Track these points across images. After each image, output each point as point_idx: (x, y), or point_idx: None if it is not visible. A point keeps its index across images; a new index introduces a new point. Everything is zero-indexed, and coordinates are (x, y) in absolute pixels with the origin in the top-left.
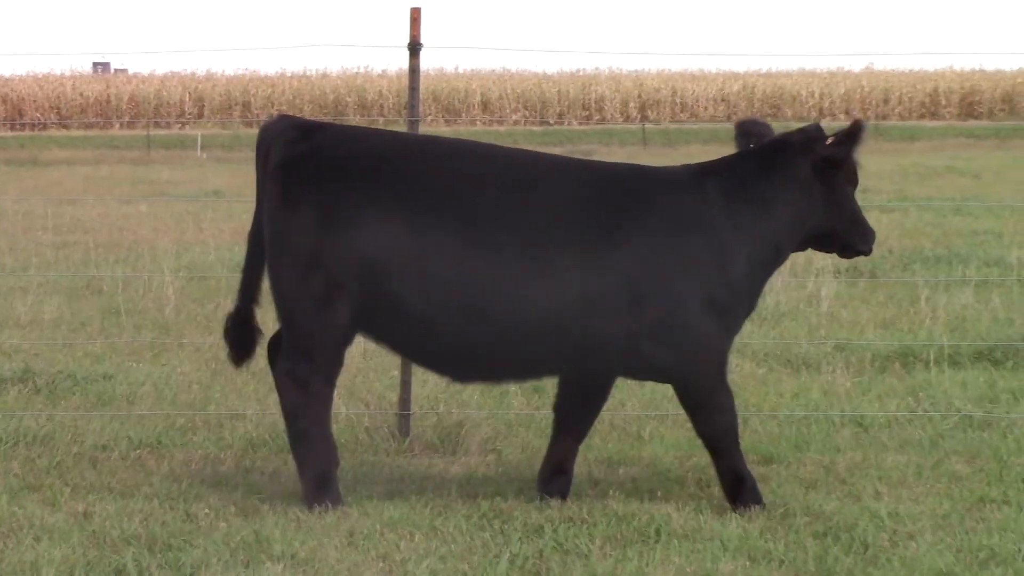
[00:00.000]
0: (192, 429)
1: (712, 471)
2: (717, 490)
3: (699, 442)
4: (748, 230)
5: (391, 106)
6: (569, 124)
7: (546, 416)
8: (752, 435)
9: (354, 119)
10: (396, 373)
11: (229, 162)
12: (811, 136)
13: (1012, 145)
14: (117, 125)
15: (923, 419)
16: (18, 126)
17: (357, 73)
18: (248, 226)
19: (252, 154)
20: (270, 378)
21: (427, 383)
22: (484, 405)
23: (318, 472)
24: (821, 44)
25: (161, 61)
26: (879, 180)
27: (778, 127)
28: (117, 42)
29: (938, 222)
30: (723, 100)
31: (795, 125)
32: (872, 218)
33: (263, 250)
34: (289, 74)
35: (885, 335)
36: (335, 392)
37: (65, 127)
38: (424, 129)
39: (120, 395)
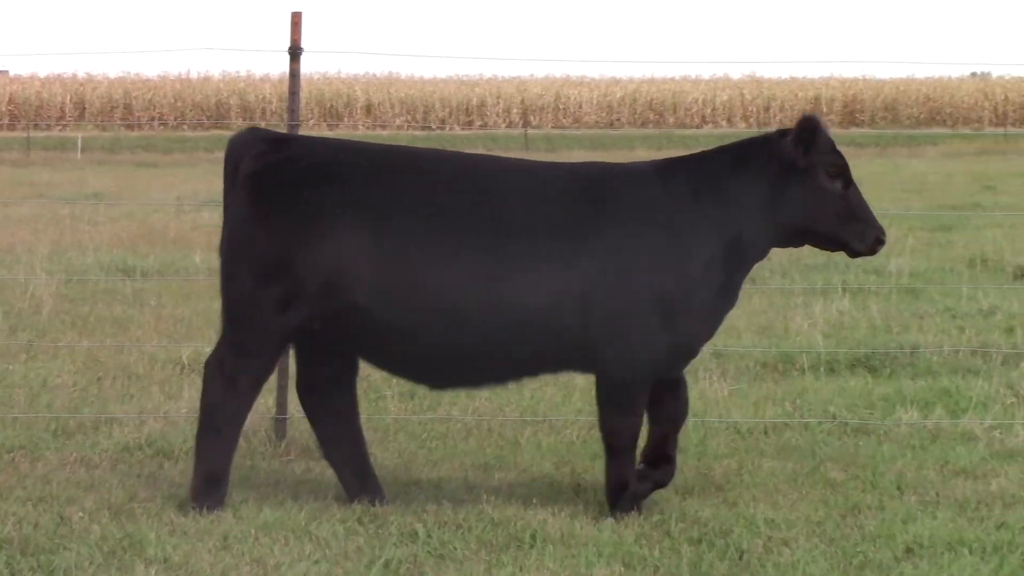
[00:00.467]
0: (66, 432)
1: (589, 477)
2: (593, 496)
3: (576, 448)
4: (712, 228)
5: (274, 110)
6: (451, 129)
7: (421, 422)
8: None
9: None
10: (272, 377)
11: (109, 164)
12: (782, 133)
13: (893, 153)
14: None
15: (800, 426)
16: None
17: (239, 77)
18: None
19: (133, 157)
20: (144, 382)
21: None
22: (360, 410)
23: (214, 470)
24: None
25: (42, 63)
26: None
27: (660, 135)
28: None
29: None
30: (606, 106)
31: (678, 133)
32: None
33: None
34: (171, 77)
35: (763, 342)
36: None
37: None
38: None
39: None
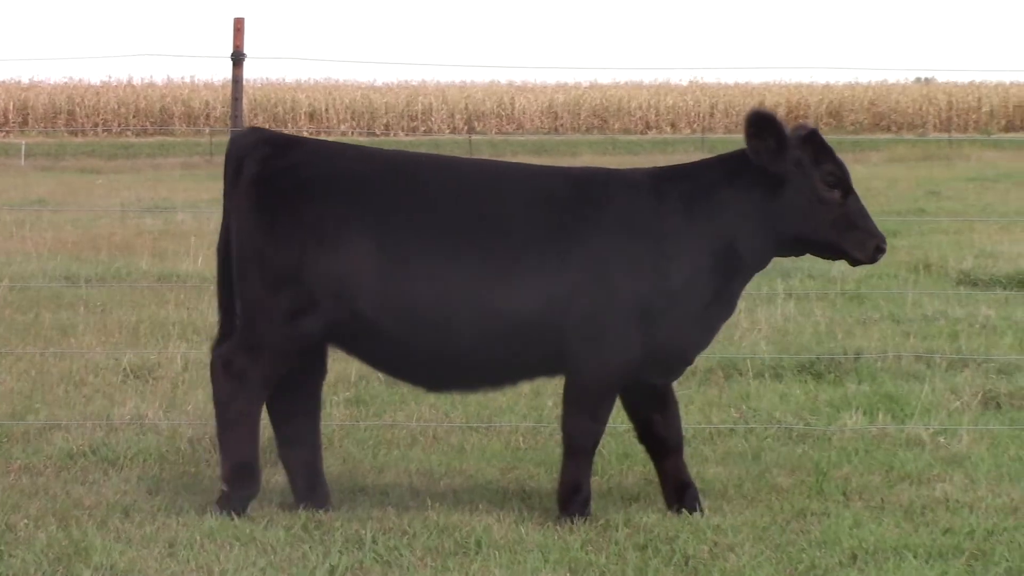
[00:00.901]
0: (11, 439)
1: (535, 483)
2: (539, 502)
3: (521, 454)
4: (702, 237)
5: (217, 116)
6: (395, 135)
7: (368, 428)
8: None
9: (180, 128)
10: None
11: (53, 171)
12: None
13: None
14: None
15: (745, 432)
16: None
17: (183, 83)
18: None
19: (76, 163)
20: (88, 389)
21: None
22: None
23: (239, 460)
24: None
25: None
26: None
27: (605, 140)
28: None
29: None
30: (550, 112)
31: (623, 139)
32: None
33: (231, 262)
34: (115, 83)
35: (708, 348)
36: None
37: None
38: None
39: None
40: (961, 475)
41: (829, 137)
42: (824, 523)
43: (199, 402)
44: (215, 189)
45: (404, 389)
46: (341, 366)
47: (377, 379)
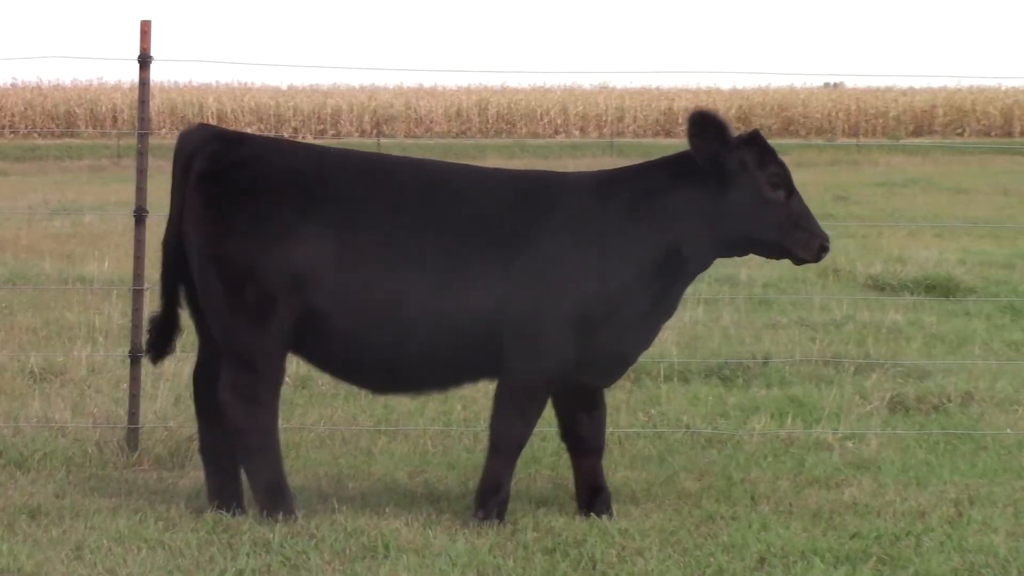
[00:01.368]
0: None
1: (442, 487)
2: (447, 505)
3: (430, 457)
4: (645, 240)
5: (125, 118)
6: (304, 138)
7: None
8: (483, 451)
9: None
10: (125, 387)
11: None
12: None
13: None
14: None
15: (653, 435)
16: None
17: (90, 85)
18: None
19: None
20: None
21: (156, 398)
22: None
23: (271, 483)
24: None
25: None
26: None
27: (513, 144)
28: None
29: None
30: (457, 115)
31: (532, 143)
32: None
33: (178, 256)
34: (21, 85)
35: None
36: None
37: None
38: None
39: None
40: (869, 479)
41: None
42: (732, 527)
43: (106, 404)
44: (123, 191)
45: (310, 392)
46: None
47: (285, 382)
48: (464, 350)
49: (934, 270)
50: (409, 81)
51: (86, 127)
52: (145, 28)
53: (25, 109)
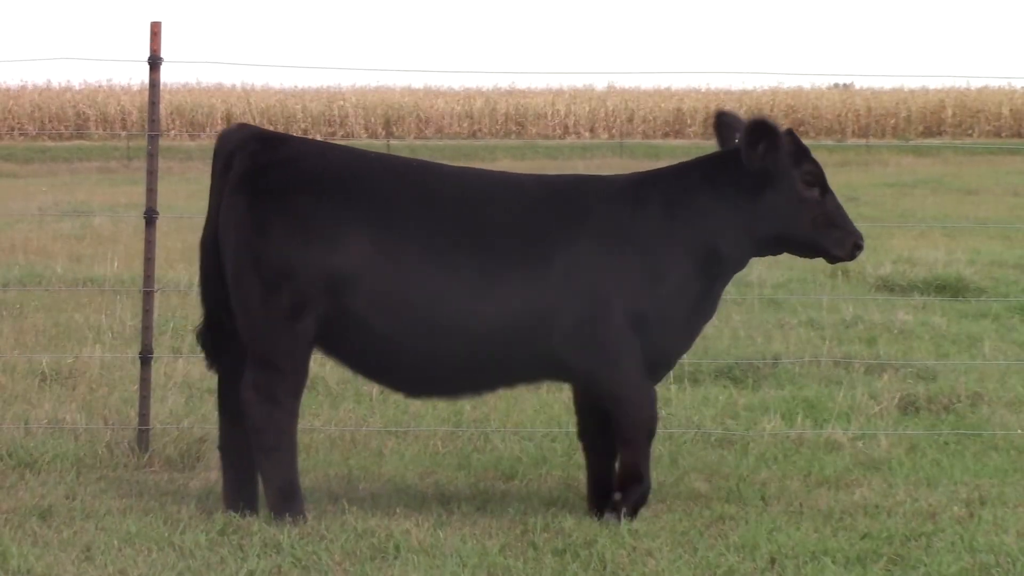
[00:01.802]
0: None
1: (453, 488)
2: (457, 507)
3: (440, 458)
4: (684, 241)
5: (134, 120)
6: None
7: None
8: (493, 452)
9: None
10: (135, 388)
11: None
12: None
13: None
14: None
15: (664, 436)
16: None
17: (99, 87)
18: None
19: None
20: (4, 392)
21: (167, 399)
22: None
23: (284, 484)
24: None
25: None
26: None
27: (524, 145)
28: None
29: None
30: (467, 116)
31: (542, 144)
32: None
33: (217, 256)
34: (31, 87)
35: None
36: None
37: None
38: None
39: None
40: (879, 480)
41: None
42: (742, 528)
43: (116, 405)
44: (133, 193)
45: (320, 394)
46: None
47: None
48: (500, 354)
49: (944, 271)
50: (418, 82)
51: (96, 129)
52: (155, 29)
53: (34, 112)
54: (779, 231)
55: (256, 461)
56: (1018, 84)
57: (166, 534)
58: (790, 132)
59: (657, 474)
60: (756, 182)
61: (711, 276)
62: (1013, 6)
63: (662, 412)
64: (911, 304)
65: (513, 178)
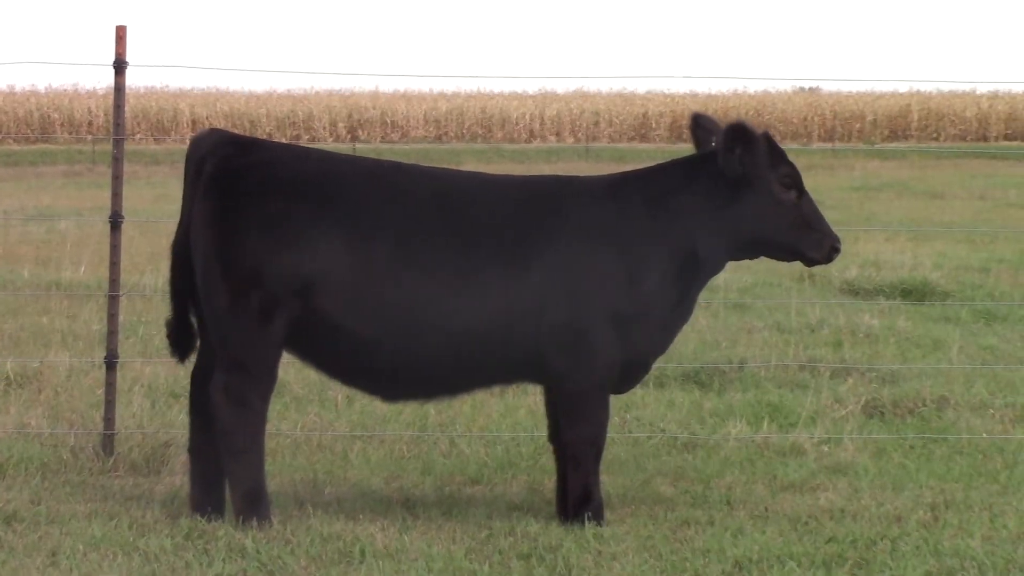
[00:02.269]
0: None
1: (418, 492)
2: (423, 511)
3: (405, 463)
4: (663, 242)
5: (100, 124)
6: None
7: None
8: (458, 456)
9: (62, 136)
10: (101, 392)
11: None
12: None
13: None
14: None
15: (629, 440)
16: None
17: (65, 91)
18: None
19: None
20: None
21: (133, 404)
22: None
23: (250, 488)
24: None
25: None
26: None
27: (490, 149)
28: None
29: None
30: (433, 120)
31: (508, 147)
32: None
33: (187, 259)
34: None
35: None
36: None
37: None
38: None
39: None
40: (845, 484)
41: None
42: (708, 532)
43: (82, 410)
44: (99, 197)
45: (285, 398)
46: None
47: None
48: (478, 356)
49: (910, 275)
50: (385, 86)
51: (61, 132)
52: (120, 33)
53: None
54: (756, 234)
55: (224, 464)
56: (983, 88)
57: (131, 539)
58: (766, 135)
59: (622, 478)
60: (733, 185)
61: (689, 278)
62: (979, 11)
63: (627, 416)
64: (877, 308)
65: (490, 178)
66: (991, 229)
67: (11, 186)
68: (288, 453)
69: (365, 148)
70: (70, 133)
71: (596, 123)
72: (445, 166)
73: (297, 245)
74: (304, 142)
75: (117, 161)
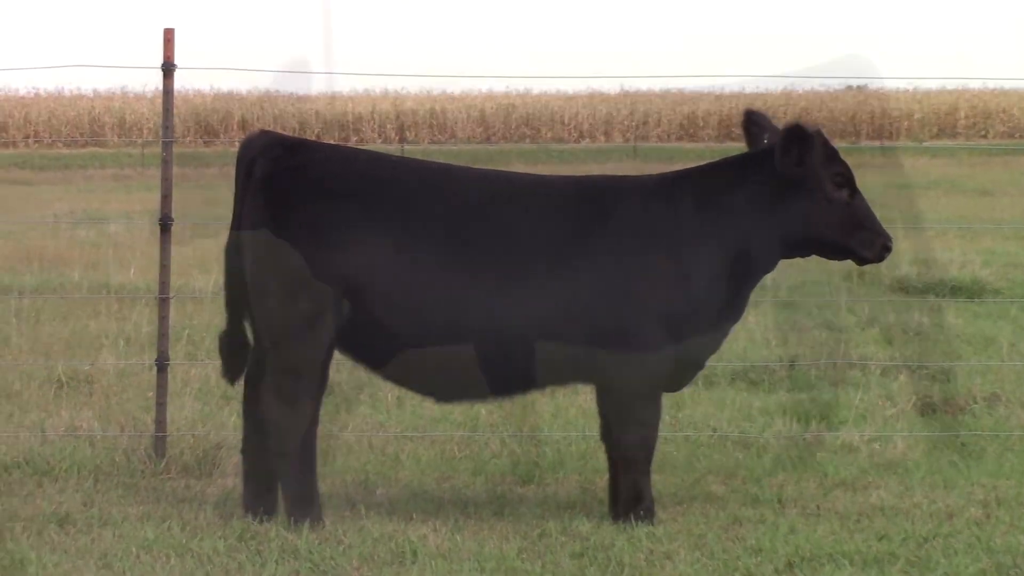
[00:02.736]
0: None
1: (470, 492)
2: (474, 511)
3: (457, 463)
4: (715, 241)
5: (150, 127)
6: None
7: None
8: (510, 456)
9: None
10: (151, 395)
11: None
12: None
13: None
14: None
15: (680, 439)
16: None
17: (113, 94)
18: None
19: (6, 175)
20: (21, 400)
21: (184, 406)
22: (241, 428)
23: (303, 488)
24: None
25: None
26: None
27: (538, 150)
28: None
29: None
30: (481, 121)
31: (556, 147)
32: None
33: (240, 263)
34: (44, 95)
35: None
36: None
37: None
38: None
39: None
40: (896, 481)
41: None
42: (759, 530)
43: (133, 412)
44: (148, 200)
45: (336, 400)
46: None
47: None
48: (525, 358)
49: (959, 272)
50: (432, 87)
51: (112, 136)
52: (168, 36)
53: (49, 118)
54: (808, 232)
55: (275, 465)
56: None
57: (184, 540)
58: (820, 133)
59: (674, 477)
60: (785, 183)
61: (740, 277)
62: None
63: (678, 416)
64: (926, 305)
65: (539, 179)
66: None
67: (61, 189)
68: (340, 454)
69: (413, 149)
70: (120, 136)
71: (645, 122)
72: (493, 167)
73: (347, 246)
74: (352, 143)
75: (166, 163)
